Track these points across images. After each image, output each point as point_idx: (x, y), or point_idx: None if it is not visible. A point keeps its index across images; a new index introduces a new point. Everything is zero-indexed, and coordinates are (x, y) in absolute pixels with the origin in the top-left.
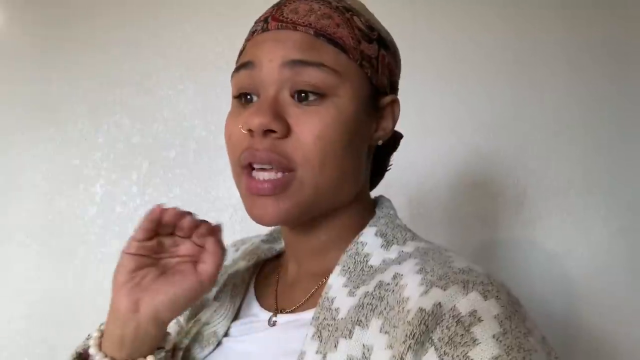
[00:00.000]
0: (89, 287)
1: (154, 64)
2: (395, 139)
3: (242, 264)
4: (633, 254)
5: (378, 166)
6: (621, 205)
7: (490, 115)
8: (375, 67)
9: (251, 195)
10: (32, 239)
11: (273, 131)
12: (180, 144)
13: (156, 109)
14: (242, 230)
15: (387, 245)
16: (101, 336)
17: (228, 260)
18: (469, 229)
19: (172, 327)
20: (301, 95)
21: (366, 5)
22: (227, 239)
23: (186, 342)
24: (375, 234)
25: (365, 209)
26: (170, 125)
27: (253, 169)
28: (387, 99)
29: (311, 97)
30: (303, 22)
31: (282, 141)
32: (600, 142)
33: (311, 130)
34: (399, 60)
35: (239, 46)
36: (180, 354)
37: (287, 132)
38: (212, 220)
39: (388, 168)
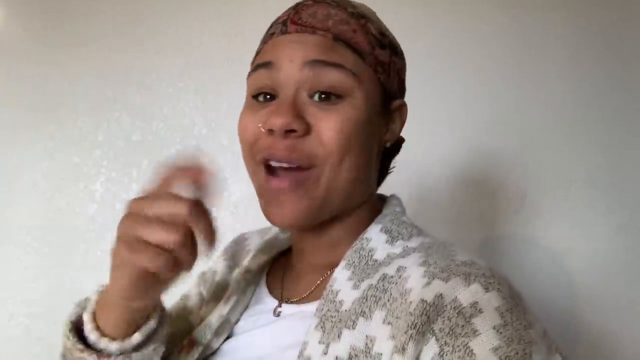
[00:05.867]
0: (88, 285)
1: (154, 62)
2: (398, 142)
3: (263, 258)
4: (633, 251)
5: (382, 168)
6: (622, 203)
7: (491, 112)
8: (387, 72)
9: (270, 190)
10: (32, 237)
11: (294, 130)
12: (181, 142)
13: (156, 107)
14: (242, 227)
15: (392, 240)
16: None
17: (253, 245)
18: (469, 226)
19: (193, 299)
20: (321, 96)
21: (365, 4)
22: (228, 236)
23: (209, 337)
24: (380, 230)
25: (372, 208)
26: (171, 123)
27: (270, 165)
28: (397, 103)
29: (331, 98)
30: (322, 27)
31: (302, 139)
32: (600, 139)
33: (332, 126)
34: (405, 65)
35: (240, 44)
36: (201, 348)
37: (308, 130)
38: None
39: (390, 171)
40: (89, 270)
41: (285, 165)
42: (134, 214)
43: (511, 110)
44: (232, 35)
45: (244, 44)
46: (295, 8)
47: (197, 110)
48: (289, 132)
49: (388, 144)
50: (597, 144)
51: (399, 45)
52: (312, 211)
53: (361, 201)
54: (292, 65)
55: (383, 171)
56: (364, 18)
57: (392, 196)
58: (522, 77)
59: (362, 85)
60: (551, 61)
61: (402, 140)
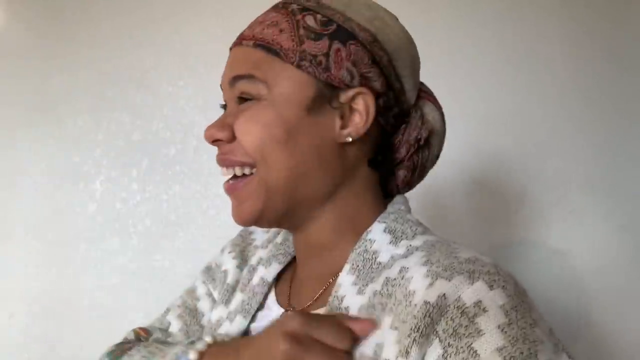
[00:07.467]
0: (88, 284)
1: (154, 61)
2: (426, 134)
3: (278, 267)
4: (634, 251)
5: (388, 163)
6: (622, 203)
7: (491, 112)
8: (324, 64)
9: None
10: (32, 236)
11: (220, 140)
12: (180, 141)
13: (156, 106)
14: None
15: (395, 241)
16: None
17: (259, 240)
18: (469, 226)
19: (203, 300)
20: (238, 100)
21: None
22: (228, 236)
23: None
24: (384, 230)
25: (370, 206)
26: (170, 122)
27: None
28: (349, 93)
29: (244, 101)
30: (247, 36)
31: (230, 145)
32: (601, 140)
33: (245, 131)
34: (379, 48)
35: None
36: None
37: (232, 137)
38: (212, 217)
39: (418, 166)
40: (89, 269)
41: (227, 171)
42: (301, 335)
43: (512, 110)
44: (232, 34)
45: None
46: None
47: (197, 110)
48: (217, 141)
49: (349, 139)
50: (598, 144)
51: (367, 28)
52: (256, 210)
53: (326, 197)
54: (224, 84)
55: (389, 166)
56: (308, 10)
57: (398, 195)
58: (522, 77)
59: (279, 87)
60: (551, 62)
61: (432, 132)
